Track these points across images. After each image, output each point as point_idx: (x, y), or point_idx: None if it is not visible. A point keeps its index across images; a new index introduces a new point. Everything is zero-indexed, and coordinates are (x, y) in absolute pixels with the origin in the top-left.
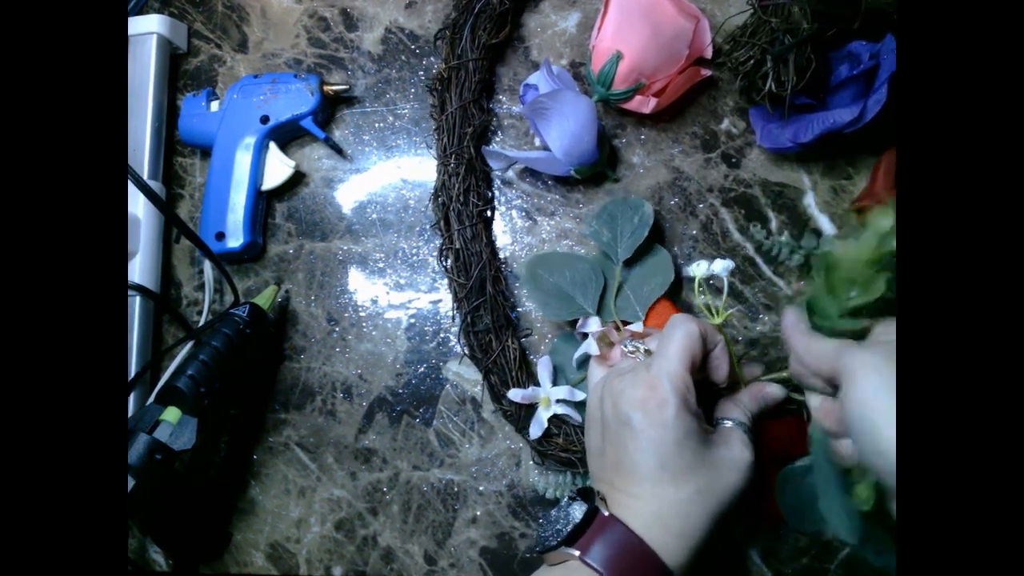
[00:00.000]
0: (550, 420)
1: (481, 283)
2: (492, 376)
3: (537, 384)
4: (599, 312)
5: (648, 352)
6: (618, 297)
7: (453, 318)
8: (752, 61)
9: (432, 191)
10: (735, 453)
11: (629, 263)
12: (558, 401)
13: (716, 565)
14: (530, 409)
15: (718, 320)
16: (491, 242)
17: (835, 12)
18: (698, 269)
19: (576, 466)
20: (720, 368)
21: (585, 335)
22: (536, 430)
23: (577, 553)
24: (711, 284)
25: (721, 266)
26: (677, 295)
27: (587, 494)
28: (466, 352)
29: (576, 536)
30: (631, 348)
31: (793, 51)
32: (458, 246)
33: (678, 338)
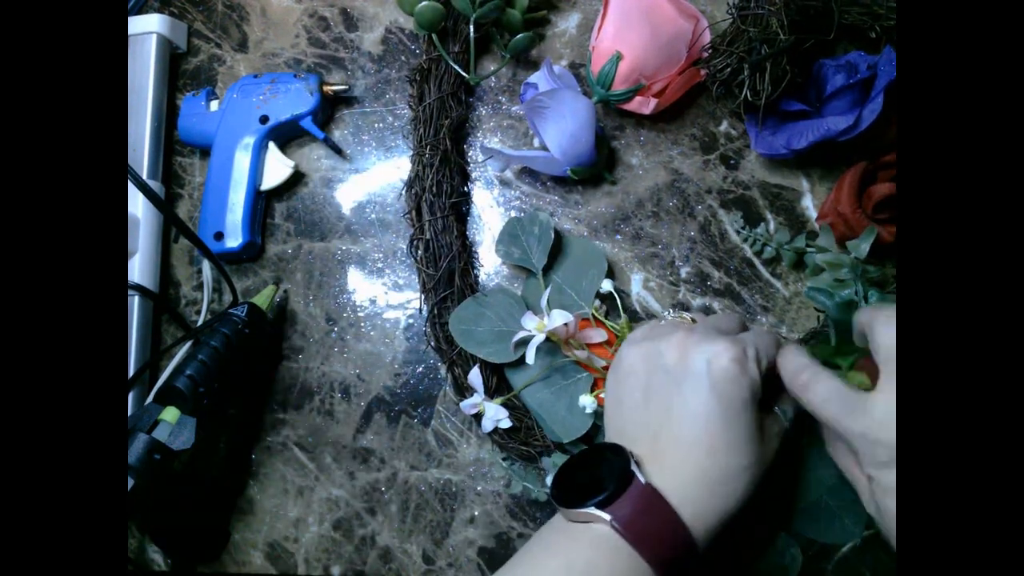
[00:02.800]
0: (511, 416)
1: (450, 275)
2: (456, 368)
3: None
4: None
5: (694, 320)
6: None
7: (420, 310)
8: (729, 69)
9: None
10: (773, 443)
11: (554, 267)
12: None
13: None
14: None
15: None
16: (463, 235)
17: (811, 24)
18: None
19: (536, 460)
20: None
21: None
22: (488, 424)
23: (608, 518)
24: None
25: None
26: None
27: (618, 451)
28: (432, 344)
29: (609, 500)
30: (677, 316)
31: (770, 61)
32: (428, 237)
33: (767, 333)
